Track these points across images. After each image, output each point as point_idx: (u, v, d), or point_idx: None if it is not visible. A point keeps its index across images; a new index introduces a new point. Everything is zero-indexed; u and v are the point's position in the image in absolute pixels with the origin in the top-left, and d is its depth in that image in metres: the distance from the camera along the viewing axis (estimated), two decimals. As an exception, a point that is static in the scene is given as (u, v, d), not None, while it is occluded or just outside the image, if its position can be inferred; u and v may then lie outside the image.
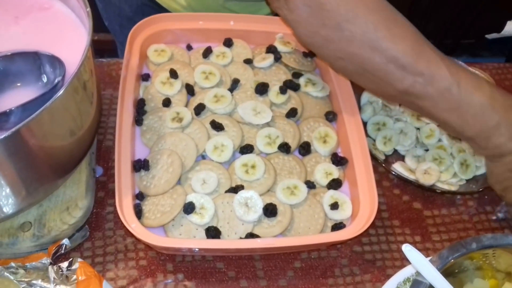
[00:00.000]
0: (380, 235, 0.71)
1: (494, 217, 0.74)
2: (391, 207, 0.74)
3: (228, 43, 0.81)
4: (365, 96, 0.82)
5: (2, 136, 0.46)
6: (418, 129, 0.79)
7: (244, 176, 0.67)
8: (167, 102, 0.73)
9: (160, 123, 0.71)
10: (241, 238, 0.63)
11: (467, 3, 1.54)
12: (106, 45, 1.35)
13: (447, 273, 0.52)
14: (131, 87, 0.71)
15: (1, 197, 0.55)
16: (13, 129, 0.47)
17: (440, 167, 0.74)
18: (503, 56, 2.03)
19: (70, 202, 0.64)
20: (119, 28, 1.00)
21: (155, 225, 0.63)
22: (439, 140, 0.78)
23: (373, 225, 0.69)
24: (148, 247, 0.66)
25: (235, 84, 0.76)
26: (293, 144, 0.71)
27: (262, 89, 0.75)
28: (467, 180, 0.76)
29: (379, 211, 0.71)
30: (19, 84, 0.59)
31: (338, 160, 0.71)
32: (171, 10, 0.90)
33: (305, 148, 0.71)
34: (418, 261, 0.52)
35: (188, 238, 0.63)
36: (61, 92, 0.49)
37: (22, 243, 0.61)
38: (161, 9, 0.90)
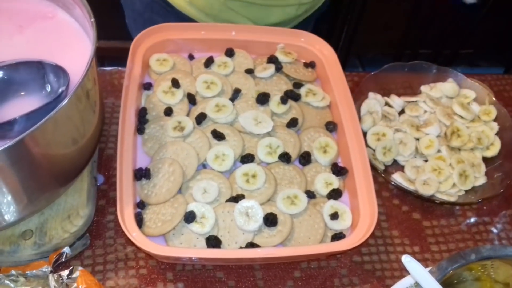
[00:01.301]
0: (379, 245, 0.71)
1: (492, 228, 0.75)
2: (390, 218, 0.74)
3: (229, 53, 0.82)
4: (365, 107, 0.83)
5: (6, 145, 0.46)
6: (417, 139, 0.80)
7: (244, 186, 0.67)
8: (168, 111, 0.74)
9: (162, 132, 0.72)
10: (241, 247, 0.63)
11: (466, 13, 1.55)
12: (107, 52, 1.35)
13: (446, 284, 0.53)
14: (133, 96, 0.72)
15: (3, 205, 0.55)
16: (17, 138, 0.47)
17: (439, 178, 0.75)
18: (502, 66, 2.05)
19: (72, 211, 0.64)
20: (133, 23, 1.02)
21: (155, 234, 0.63)
22: (438, 150, 0.79)
23: (372, 235, 0.70)
24: (149, 255, 0.66)
25: (236, 94, 0.77)
26: (294, 153, 0.72)
27: (263, 99, 0.76)
28: (466, 191, 0.76)
29: (378, 221, 0.72)
30: (23, 93, 0.59)
31: (338, 170, 0.71)
32: (176, 6, 0.90)
33: (305, 158, 0.72)
34: (418, 272, 0.52)
35: (189, 247, 0.63)
36: (65, 102, 0.50)
37: (23, 251, 0.61)
38: (168, 6, 0.91)
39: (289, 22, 0.95)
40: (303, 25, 0.99)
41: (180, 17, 0.91)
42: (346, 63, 1.94)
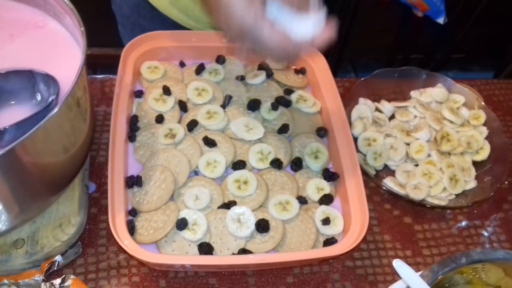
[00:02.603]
0: (371, 250, 0.71)
1: (483, 232, 0.75)
2: (382, 222, 0.74)
3: (220, 60, 0.82)
4: (356, 112, 0.83)
5: (-4, 155, 0.46)
6: (407, 144, 0.80)
7: (236, 192, 0.68)
8: (160, 119, 0.74)
9: (153, 139, 0.72)
10: (233, 254, 0.63)
11: (457, 17, 1.57)
12: (99, 59, 1.36)
13: (438, 287, 0.53)
14: (124, 104, 0.72)
15: (-6, 214, 0.55)
16: (7, 148, 0.47)
17: (429, 182, 0.75)
18: (492, 70, 2.06)
19: (63, 219, 0.64)
20: (123, 29, 1.02)
21: (147, 241, 0.63)
22: (429, 155, 0.79)
23: (364, 240, 0.70)
24: (141, 263, 0.66)
25: (227, 101, 0.77)
26: (285, 159, 0.72)
27: (254, 105, 0.76)
28: (457, 195, 0.77)
29: (370, 226, 0.72)
30: (13, 102, 0.59)
31: (329, 175, 0.72)
32: (159, 8, 0.90)
33: (296, 164, 0.72)
34: (409, 276, 0.53)
35: (181, 254, 0.63)
36: (55, 110, 0.50)
37: (15, 260, 0.61)
38: (153, 9, 0.91)
39: None
40: None
41: (164, 20, 0.91)
42: (338, 69, 1.95)
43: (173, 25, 0.91)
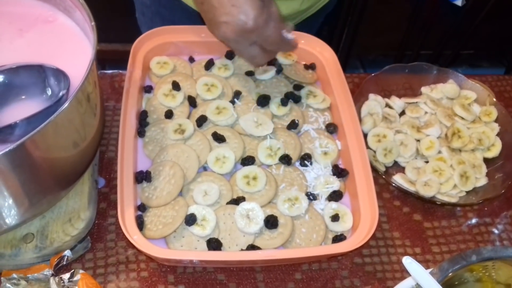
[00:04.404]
0: (380, 247, 0.71)
1: (493, 229, 0.75)
2: (391, 219, 0.74)
3: (230, 55, 0.82)
4: (366, 108, 0.83)
5: (7, 149, 0.47)
6: (418, 141, 0.80)
7: (245, 188, 0.67)
8: (169, 114, 0.74)
9: (162, 134, 0.72)
10: (242, 250, 0.63)
11: (467, 14, 1.55)
12: (108, 55, 1.36)
13: (447, 285, 0.53)
14: (133, 99, 0.72)
15: (4, 209, 0.55)
16: (18, 142, 0.47)
17: (440, 179, 0.75)
18: (503, 67, 2.05)
19: (73, 214, 0.64)
20: (142, 17, 1.02)
21: (156, 237, 0.63)
22: (439, 152, 0.79)
23: (373, 237, 0.70)
24: (150, 258, 0.66)
25: (236, 96, 0.77)
26: (294, 155, 0.72)
27: (263, 101, 0.76)
28: (467, 192, 0.76)
29: (379, 223, 0.72)
30: (23, 97, 0.59)
31: (339, 171, 0.71)
32: None
33: (306, 160, 0.72)
34: (418, 273, 0.52)
35: (190, 249, 0.63)
36: (65, 105, 0.50)
37: (24, 255, 0.61)
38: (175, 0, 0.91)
39: (293, 17, 0.94)
40: (309, 24, 0.99)
41: (185, 9, 0.90)
42: (347, 65, 1.94)
43: (194, 15, 0.90)
